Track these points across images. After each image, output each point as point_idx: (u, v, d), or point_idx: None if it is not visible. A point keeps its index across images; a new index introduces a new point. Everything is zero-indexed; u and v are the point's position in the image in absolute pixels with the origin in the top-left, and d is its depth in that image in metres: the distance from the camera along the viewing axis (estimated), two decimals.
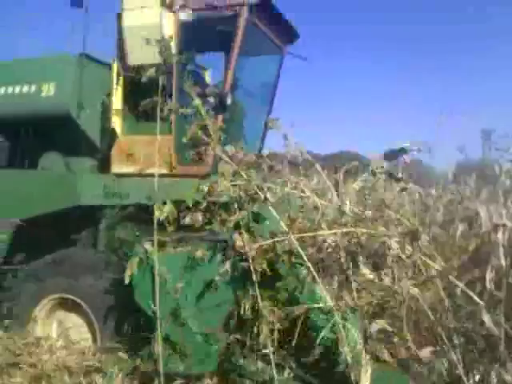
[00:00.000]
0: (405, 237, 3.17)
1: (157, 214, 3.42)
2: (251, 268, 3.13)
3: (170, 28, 4.59)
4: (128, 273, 3.38)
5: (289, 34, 5.42)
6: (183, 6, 4.54)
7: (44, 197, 4.62)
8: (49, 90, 4.78)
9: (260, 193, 3.34)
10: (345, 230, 3.24)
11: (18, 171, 5.10)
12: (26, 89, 4.90)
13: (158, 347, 3.27)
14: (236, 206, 3.36)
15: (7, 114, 5.02)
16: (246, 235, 3.22)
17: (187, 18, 4.55)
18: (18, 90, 4.93)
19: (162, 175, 3.76)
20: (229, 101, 4.55)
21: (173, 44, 4.50)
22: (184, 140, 3.61)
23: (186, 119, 4.47)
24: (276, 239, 3.21)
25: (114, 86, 4.69)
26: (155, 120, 3.90)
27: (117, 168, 4.74)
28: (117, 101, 4.73)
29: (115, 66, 4.74)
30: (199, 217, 3.38)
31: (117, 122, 4.74)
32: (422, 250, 3.17)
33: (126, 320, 3.95)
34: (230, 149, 3.52)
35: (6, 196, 4.77)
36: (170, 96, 4.52)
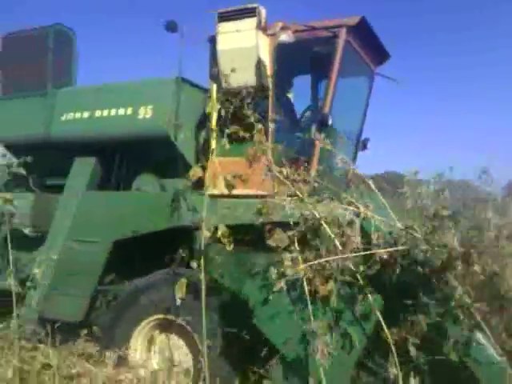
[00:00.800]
0: None
1: (206, 233, 3.68)
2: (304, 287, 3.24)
3: (265, 51, 4.63)
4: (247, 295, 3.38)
5: (380, 54, 5.36)
6: (284, 28, 4.55)
7: (145, 217, 4.63)
8: (146, 112, 4.85)
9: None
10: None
11: (120, 193, 5.20)
12: (121, 111, 4.99)
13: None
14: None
15: (102, 136, 5.13)
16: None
17: (288, 39, 4.55)
18: (113, 112, 5.03)
19: (259, 196, 4.04)
20: (330, 122, 4.55)
21: (268, 67, 4.64)
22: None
23: (280, 140, 4.61)
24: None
25: (211, 109, 4.65)
26: (250, 142, 4.01)
27: (211, 189, 4.65)
28: (213, 123, 4.74)
29: (214, 89, 4.78)
30: (284, 237, 3.40)
31: (213, 144, 4.75)
32: None
33: (234, 344, 3.85)
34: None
35: (105, 217, 4.83)
36: (264, 118, 4.53)
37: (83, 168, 5.27)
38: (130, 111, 4.94)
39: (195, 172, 3.99)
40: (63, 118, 5.30)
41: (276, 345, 3.43)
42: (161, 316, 4.27)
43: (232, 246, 3.58)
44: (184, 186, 4.96)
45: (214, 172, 4.66)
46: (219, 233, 3.54)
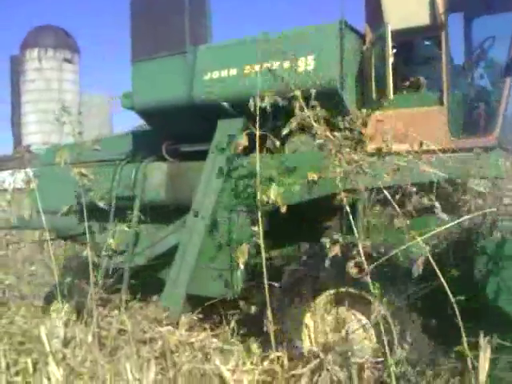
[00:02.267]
0: None
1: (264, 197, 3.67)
2: None
3: None
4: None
5: None
6: None
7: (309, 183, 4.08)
8: (307, 63, 4.39)
9: None
10: None
11: (295, 154, 4.58)
12: (277, 65, 4.45)
13: None
14: None
15: (255, 94, 4.44)
16: None
17: None
18: (268, 67, 4.48)
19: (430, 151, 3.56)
20: None
21: (441, 2, 4.16)
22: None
23: (457, 87, 4.36)
24: None
25: (387, 55, 4.11)
26: (419, 91, 3.83)
27: (374, 145, 4.21)
28: (388, 71, 4.12)
29: (388, 31, 4.07)
30: None
31: (389, 93, 4.16)
32: None
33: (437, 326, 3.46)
34: None
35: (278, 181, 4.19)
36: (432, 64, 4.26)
37: (230, 131, 4.76)
38: (286, 64, 4.42)
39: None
40: (207, 77, 4.94)
41: None
42: (342, 290, 3.87)
43: None
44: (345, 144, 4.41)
45: (379, 126, 4.29)
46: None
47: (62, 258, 6.89)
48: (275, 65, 4.43)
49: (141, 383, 3.50)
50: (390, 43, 4.04)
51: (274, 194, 3.91)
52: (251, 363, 3.84)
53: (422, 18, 4.11)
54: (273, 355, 3.79)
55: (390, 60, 4.05)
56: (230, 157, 4.67)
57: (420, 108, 3.67)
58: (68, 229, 5.97)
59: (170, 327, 4.31)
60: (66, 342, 3.96)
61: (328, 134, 3.66)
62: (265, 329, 3.94)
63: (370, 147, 4.15)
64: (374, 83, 4.46)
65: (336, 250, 3.29)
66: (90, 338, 4.01)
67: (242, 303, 4.50)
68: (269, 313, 3.92)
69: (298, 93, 3.92)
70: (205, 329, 4.52)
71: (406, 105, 4.23)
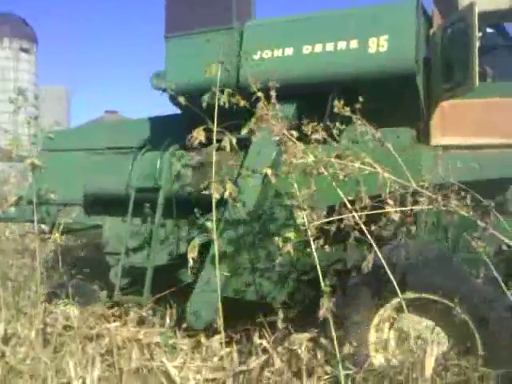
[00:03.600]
0: None
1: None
2: None
3: None
4: None
5: None
6: None
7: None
8: (379, 44, 3.98)
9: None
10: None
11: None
12: (342, 45, 4.08)
13: None
14: None
15: (314, 76, 4.19)
16: None
17: None
18: (330, 47, 4.12)
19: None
20: None
21: None
22: None
23: None
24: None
25: (472, 38, 3.78)
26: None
27: (436, 140, 4.02)
28: (474, 57, 3.74)
29: (475, 14, 3.74)
30: None
31: (474, 81, 3.78)
32: None
33: None
34: None
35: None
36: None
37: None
38: (354, 44, 4.04)
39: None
40: (256, 57, 4.39)
41: None
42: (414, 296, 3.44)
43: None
44: (411, 136, 4.23)
45: (443, 117, 4.08)
46: None
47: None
48: (341, 45, 4.06)
49: (84, 381, 3.40)
50: (476, 25, 3.72)
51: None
52: (201, 360, 3.80)
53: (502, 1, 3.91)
54: (223, 352, 3.70)
55: (476, 44, 3.73)
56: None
57: (493, 98, 3.54)
58: (73, 222, 5.29)
59: (117, 323, 4.22)
60: (5, 339, 3.80)
61: (285, 132, 3.35)
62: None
63: (435, 140, 3.98)
64: (441, 71, 4.15)
65: (288, 247, 3.05)
66: (33, 335, 3.86)
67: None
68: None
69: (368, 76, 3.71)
70: (154, 324, 4.41)
71: (478, 94, 3.94)
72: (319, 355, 3.48)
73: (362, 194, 3.10)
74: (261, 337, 3.85)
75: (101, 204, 5.01)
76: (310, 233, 3.06)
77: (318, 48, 4.15)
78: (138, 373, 3.60)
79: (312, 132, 3.37)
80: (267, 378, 3.46)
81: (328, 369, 3.39)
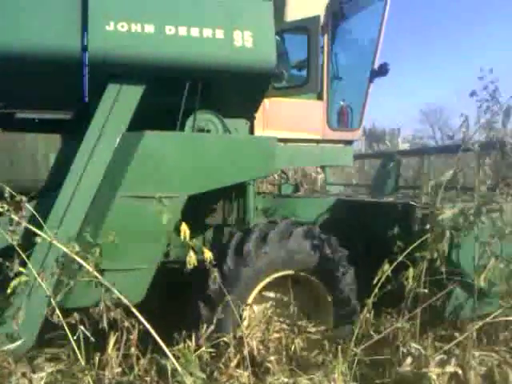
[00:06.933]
0: None
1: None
2: None
3: None
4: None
5: None
6: None
7: (237, 165, 3.88)
8: (244, 39, 3.80)
9: None
10: None
11: (200, 135, 4.02)
12: (209, 33, 3.76)
13: None
14: None
15: (173, 60, 3.74)
16: None
17: None
18: (196, 33, 3.73)
19: (307, 141, 4.48)
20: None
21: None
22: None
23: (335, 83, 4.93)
24: None
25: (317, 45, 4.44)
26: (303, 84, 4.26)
27: (258, 132, 4.51)
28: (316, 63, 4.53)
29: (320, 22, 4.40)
30: None
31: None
32: None
33: None
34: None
35: (187, 167, 3.70)
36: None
37: (125, 99, 3.76)
38: (220, 34, 3.76)
39: None
40: (109, 28, 3.57)
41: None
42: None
43: None
44: (244, 127, 4.50)
45: (264, 113, 4.62)
46: None
47: None
48: (206, 32, 3.73)
49: None
50: (319, 35, 4.40)
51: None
52: None
53: (315, 10, 4.46)
54: None
55: (319, 52, 4.41)
56: (121, 132, 3.71)
57: (302, 99, 3.97)
58: None
59: None
60: None
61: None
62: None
63: (258, 132, 4.49)
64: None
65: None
66: None
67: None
68: None
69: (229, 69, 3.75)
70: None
71: (292, 95, 4.58)
72: None
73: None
74: None
75: None
76: None
77: (183, 31, 3.70)
78: None
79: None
80: None
81: None
